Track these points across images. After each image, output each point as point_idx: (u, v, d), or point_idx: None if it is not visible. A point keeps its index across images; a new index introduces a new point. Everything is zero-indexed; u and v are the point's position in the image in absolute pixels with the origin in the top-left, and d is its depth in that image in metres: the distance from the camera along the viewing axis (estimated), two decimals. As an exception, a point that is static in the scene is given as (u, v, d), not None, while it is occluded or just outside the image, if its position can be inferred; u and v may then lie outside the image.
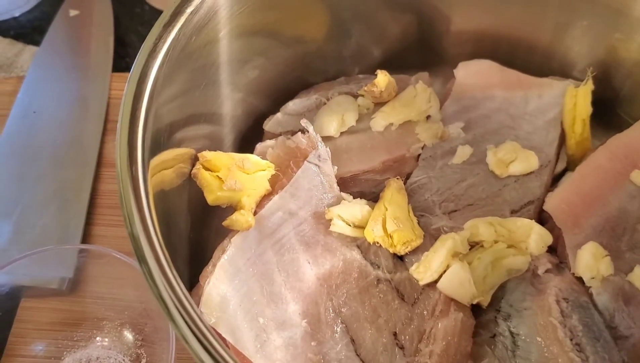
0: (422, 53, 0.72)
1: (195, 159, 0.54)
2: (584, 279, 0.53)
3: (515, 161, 0.59)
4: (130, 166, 0.41)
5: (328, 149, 0.58)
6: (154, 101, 0.44)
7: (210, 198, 0.53)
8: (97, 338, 0.56)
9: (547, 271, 0.54)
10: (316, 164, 0.57)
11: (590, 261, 0.53)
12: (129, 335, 0.57)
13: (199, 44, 0.51)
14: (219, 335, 0.49)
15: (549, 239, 0.55)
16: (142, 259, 0.38)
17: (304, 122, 0.57)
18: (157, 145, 0.46)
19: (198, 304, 0.51)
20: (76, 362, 0.55)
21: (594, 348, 0.49)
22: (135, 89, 0.43)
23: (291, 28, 0.65)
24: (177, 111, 0.51)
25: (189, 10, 0.48)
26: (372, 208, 0.57)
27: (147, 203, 0.40)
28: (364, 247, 0.56)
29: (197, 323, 0.37)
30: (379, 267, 0.55)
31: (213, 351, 0.36)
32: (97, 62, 0.77)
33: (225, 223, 0.53)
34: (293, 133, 0.60)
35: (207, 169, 0.53)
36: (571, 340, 0.50)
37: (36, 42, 0.80)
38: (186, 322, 0.37)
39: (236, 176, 0.53)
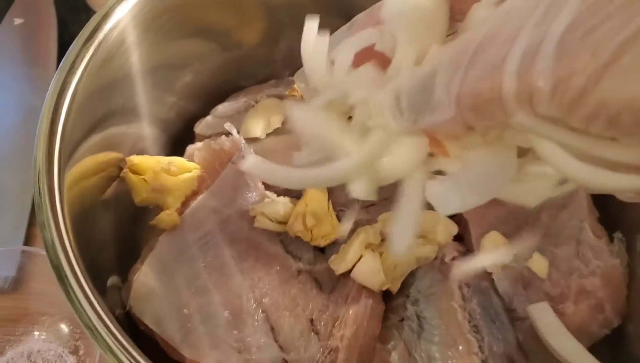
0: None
1: (124, 163, 0.58)
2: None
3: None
4: (48, 176, 0.45)
5: (252, 150, 0.61)
6: (71, 113, 0.47)
7: (137, 200, 0.57)
8: (36, 333, 0.60)
9: (453, 258, 0.59)
10: (240, 165, 0.61)
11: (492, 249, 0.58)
12: (66, 329, 0.61)
13: (122, 52, 0.55)
14: (147, 326, 0.54)
15: (454, 229, 0.60)
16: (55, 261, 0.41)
17: (227, 126, 0.61)
18: (78, 153, 0.49)
19: (127, 298, 0.55)
20: (18, 355, 0.59)
21: (489, 330, 0.54)
22: (54, 103, 0.47)
23: (231, 32, 0.69)
24: (102, 117, 0.54)
25: (107, 27, 0.51)
26: (295, 205, 0.61)
27: (62, 211, 0.43)
28: (287, 241, 0.60)
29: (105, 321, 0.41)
30: (300, 259, 0.60)
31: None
32: (41, 71, 0.80)
33: (152, 222, 0.57)
34: (222, 135, 0.64)
35: (134, 172, 0.57)
36: (469, 322, 0.54)
37: (-20, 51, 0.83)
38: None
39: (162, 179, 0.57)
